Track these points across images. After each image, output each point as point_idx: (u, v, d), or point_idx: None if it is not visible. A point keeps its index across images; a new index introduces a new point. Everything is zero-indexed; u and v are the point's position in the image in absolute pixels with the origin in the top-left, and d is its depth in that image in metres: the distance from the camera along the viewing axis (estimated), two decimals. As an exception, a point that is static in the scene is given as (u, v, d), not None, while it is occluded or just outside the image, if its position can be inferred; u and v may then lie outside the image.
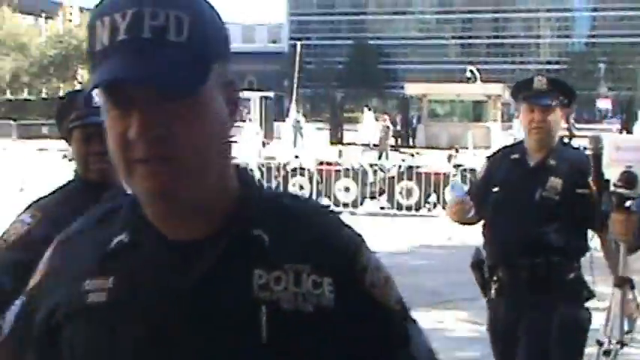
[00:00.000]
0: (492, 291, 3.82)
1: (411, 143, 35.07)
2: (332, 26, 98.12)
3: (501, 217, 3.82)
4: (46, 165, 17.84)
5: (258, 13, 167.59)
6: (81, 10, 38.88)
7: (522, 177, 3.82)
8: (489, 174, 4.00)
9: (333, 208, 1.30)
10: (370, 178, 16.20)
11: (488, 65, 77.03)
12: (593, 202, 3.63)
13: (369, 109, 37.91)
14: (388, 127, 29.82)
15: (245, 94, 36.39)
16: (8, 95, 50.50)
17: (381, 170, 16.24)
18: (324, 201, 15.98)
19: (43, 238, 1.44)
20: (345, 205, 15.06)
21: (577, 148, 4.26)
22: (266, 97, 34.54)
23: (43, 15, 52.33)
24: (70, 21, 36.65)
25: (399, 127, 36.85)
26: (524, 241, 3.72)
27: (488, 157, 4.27)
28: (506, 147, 4.29)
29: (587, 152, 3.76)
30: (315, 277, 1.16)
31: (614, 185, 3.50)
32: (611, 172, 3.58)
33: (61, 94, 51.02)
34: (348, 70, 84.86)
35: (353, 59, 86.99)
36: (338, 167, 16.41)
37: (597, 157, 3.63)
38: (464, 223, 4.12)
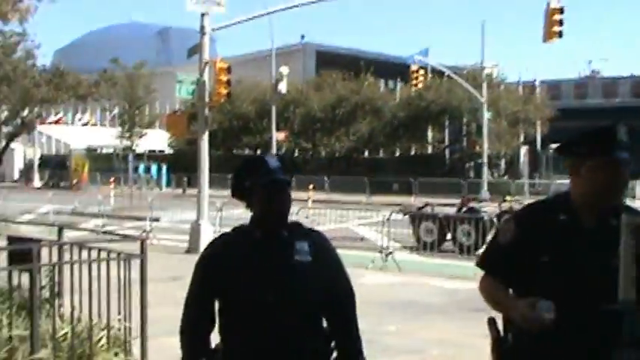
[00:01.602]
0: None
1: None
2: None
3: (563, 295, 2.98)
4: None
5: (618, 66, 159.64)
6: (432, 72, 40.33)
7: (584, 243, 3.06)
8: (525, 240, 3.13)
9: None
10: None
11: None
12: None
13: None
14: None
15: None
16: (365, 155, 53.83)
17: None
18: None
19: None
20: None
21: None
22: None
23: (398, 79, 55.08)
24: (416, 85, 38.04)
25: None
26: (606, 325, 2.91)
27: (516, 219, 3.32)
28: (537, 205, 3.38)
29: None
30: None
31: None
32: None
33: (412, 153, 53.29)
34: None
35: None
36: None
37: None
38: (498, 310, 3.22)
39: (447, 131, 50.77)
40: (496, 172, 48.79)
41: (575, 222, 3.11)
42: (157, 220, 25.60)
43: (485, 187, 37.19)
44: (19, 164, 61.74)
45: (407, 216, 19.55)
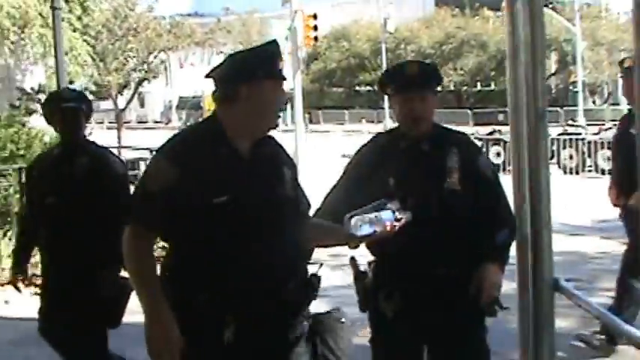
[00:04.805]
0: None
1: None
2: None
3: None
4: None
5: None
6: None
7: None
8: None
9: None
10: None
11: None
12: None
13: None
14: None
15: None
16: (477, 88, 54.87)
17: None
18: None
19: None
20: None
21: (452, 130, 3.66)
22: None
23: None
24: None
25: None
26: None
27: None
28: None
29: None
30: None
31: None
32: None
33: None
34: None
35: None
36: None
37: None
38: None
39: (551, 62, 51.17)
40: (599, 99, 49.11)
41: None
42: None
43: (581, 114, 38.07)
44: (159, 107, 66.42)
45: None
